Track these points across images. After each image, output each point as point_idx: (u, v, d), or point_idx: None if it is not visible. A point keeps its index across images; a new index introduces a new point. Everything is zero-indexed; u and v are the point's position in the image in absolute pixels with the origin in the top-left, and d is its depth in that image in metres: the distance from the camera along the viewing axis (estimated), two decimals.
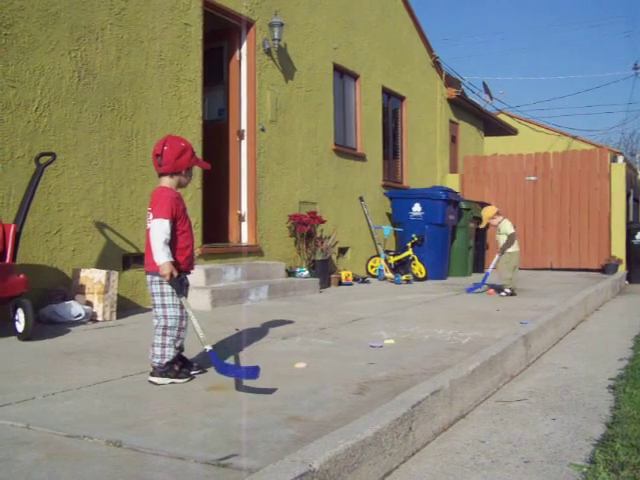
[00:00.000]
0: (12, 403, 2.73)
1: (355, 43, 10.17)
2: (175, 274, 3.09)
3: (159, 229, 3.09)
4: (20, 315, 4.22)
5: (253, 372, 2.92)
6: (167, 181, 3.24)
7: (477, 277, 10.41)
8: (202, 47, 6.95)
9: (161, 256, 3.07)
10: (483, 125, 16.84)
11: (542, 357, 4.71)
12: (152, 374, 3.14)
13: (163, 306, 3.17)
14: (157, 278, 3.15)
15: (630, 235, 12.15)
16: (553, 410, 3.27)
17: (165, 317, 3.16)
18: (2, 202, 4.89)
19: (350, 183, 9.96)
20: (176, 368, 3.15)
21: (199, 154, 6.51)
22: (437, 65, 13.55)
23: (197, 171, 6.72)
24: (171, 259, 3.10)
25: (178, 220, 3.18)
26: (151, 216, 3.16)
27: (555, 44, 62.68)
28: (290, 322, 5.02)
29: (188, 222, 3.27)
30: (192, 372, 3.27)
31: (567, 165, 12.64)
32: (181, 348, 3.28)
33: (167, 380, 3.11)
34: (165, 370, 3.12)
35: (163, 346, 3.14)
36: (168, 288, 3.15)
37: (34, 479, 1.94)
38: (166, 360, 3.13)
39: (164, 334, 3.15)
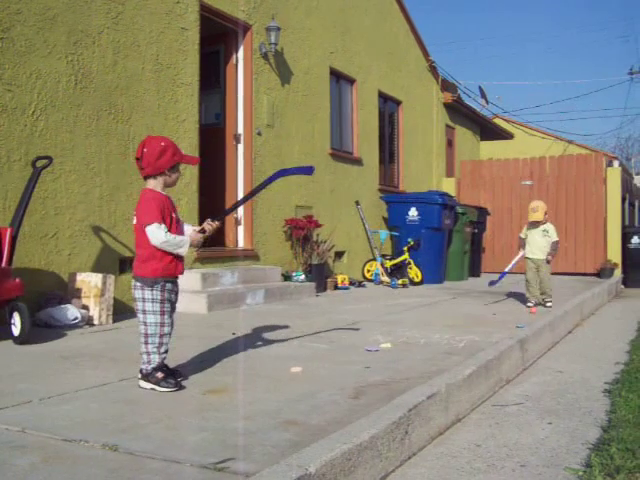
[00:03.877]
0: (8, 407, 2.72)
1: (351, 47, 10.20)
2: (200, 238, 3.30)
3: (157, 235, 3.03)
4: (16, 319, 4.22)
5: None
6: (152, 183, 3.16)
7: (473, 281, 10.45)
8: (199, 51, 6.96)
9: (181, 249, 3.13)
10: (479, 129, 16.88)
11: (538, 361, 4.72)
12: (140, 378, 3.14)
13: (143, 312, 3.11)
14: (139, 284, 3.11)
15: (626, 239, 12.18)
16: (549, 414, 3.27)
17: (145, 324, 3.11)
18: None
19: (346, 187, 9.96)
20: (158, 376, 3.08)
21: None
22: (433, 69, 13.59)
23: (193, 175, 6.73)
24: (186, 246, 3.16)
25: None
26: (135, 220, 3.13)
27: (552, 49, 62.95)
28: (286, 326, 5.02)
29: (174, 226, 3.18)
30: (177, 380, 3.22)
31: (563, 169, 12.66)
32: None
33: (148, 385, 3.07)
34: (148, 374, 3.10)
35: (148, 353, 3.11)
36: (148, 294, 3.10)
37: None
38: (151, 366, 3.10)
39: (145, 342, 3.12)
